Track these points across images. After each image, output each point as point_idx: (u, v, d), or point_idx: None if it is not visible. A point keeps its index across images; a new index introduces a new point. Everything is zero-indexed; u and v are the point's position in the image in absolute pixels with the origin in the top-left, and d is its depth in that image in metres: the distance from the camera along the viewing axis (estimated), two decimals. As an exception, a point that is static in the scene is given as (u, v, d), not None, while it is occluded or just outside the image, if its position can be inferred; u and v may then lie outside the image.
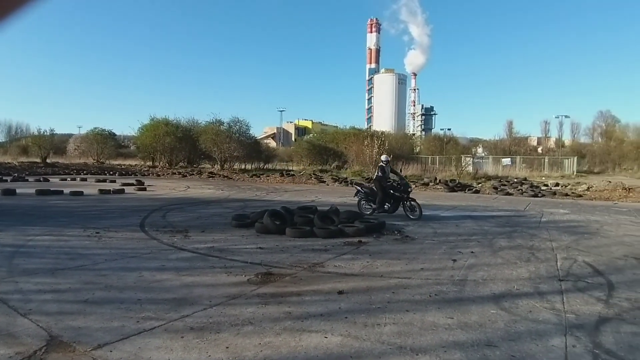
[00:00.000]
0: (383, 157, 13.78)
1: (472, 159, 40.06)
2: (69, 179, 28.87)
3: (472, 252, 7.98)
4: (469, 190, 24.10)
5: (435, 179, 27.16)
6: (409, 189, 12.75)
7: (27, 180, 26.40)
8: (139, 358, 3.47)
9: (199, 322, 4.25)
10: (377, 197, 12.71)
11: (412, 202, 12.40)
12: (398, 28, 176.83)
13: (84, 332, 3.98)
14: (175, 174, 35.85)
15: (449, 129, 64.90)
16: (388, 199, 12.69)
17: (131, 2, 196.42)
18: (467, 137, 63.06)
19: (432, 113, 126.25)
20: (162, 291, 5.31)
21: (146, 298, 5.00)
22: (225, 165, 39.85)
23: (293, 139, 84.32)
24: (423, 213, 12.20)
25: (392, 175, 13.28)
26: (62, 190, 18.36)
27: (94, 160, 46.84)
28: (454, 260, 7.23)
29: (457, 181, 26.29)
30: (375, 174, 13.55)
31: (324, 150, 42.03)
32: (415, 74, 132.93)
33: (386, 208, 12.66)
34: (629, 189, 22.83)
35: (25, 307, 4.58)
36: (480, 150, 54.95)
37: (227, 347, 3.70)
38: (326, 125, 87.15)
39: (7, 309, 4.53)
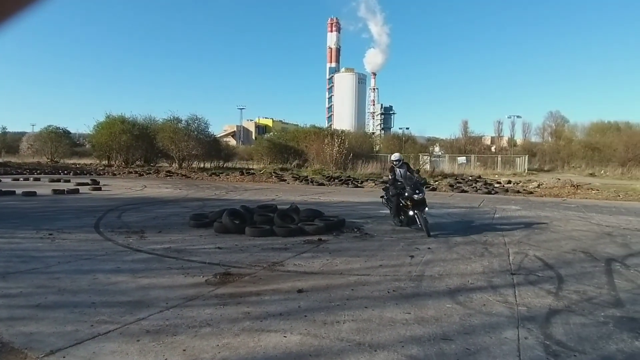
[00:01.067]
0: (393, 156, 11.15)
1: (429, 158, 40.90)
2: (21, 179, 27.71)
3: (428, 248, 8.17)
4: (426, 188, 24.41)
5: (395, 176, 27.54)
6: (415, 196, 9.71)
7: None
8: (92, 363, 3.37)
9: (156, 325, 4.18)
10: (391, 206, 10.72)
11: (420, 213, 9.69)
12: (357, 26, 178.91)
13: (36, 337, 3.86)
14: (131, 173, 35.05)
15: (408, 128, 66.24)
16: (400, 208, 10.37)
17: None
18: (425, 136, 64.37)
19: (391, 112, 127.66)
20: (117, 294, 5.19)
21: (101, 301, 4.88)
22: (184, 164, 39.26)
23: (253, 137, 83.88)
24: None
25: (409, 177, 10.45)
26: (14, 191, 17.67)
27: (47, 159, 45.18)
28: (412, 257, 7.38)
29: (416, 179, 26.72)
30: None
31: (285, 148, 41.88)
32: (374, 74, 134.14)
33: (401, 219, 10.40)
34: (577, 186, 23.92)
35: (-28, 314, 4.38)
36: (437, 149, 56.01)
37: (184, 350, 3.65)
38: (287, 123, 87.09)
39: (-48, 315, 4.31)
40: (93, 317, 4.36)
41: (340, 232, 9.61)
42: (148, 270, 6.30)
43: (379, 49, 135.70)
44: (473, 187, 24.19)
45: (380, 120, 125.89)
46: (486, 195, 21.62)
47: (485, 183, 26.14)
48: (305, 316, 4.46)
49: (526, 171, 38.48)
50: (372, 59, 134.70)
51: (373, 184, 26.23)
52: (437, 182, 26.34)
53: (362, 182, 27.08)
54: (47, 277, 5.82)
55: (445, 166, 38.03)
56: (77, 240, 8.43)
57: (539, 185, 25.17)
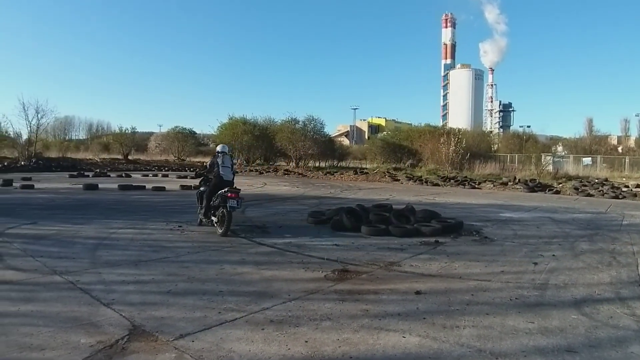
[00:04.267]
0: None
1: (552, 158, 38.23)
2: (150, 175, 30.42)
3: (553, 255, 7.67)
4: (549, 190, 23.08)
5: (515, 178, 26.14)
6: None
7: (109, 176, 28.22)
8: (220, 348, 3.58)
9: (279, 316, 4.36)
10: None
11: None
12: (469, 17, 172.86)
13: (166, 322, 4.15)
14: (252, 171, 36.93)
15: (529, 126, 62.05)
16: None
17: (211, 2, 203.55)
18: (547, 134, 60.33)
19: (510, 109, 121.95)
20: (242, 284, 5.50)
21: (227, 290, 5.19)
22: (300, 163, 40.34)
23: (366, 136, 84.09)
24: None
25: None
26: (144, 186, 19.41)
27: (174, 157, 48.79)
28: (535, 264, 6.98)
29: (537, 181, 25.14)
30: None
31: (398, 148, 41.33)
32: (492, 69, 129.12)
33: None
34: None
35: (108, 297, 4.82)
36: (560, 148, 52.25)
37: (306, 341, 3.76)
38: (400, 122, 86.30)
39: (90, 298, 4.78)
40: (220, 305, 4.64)
41: (458, 234, 9.32)
42: (271, 263, 6.62)
43: (496, 42, 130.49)
44: (599, 191, 22.33)
45: (499, 117, 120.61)
46: (613, 200, 19.92)
47: (613, 187, 23.88)
48: (424, 318, 4.39)
49: (656, 174, 34.74)
50: (489, 53, 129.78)
51: (492, 185, 25.16)
52: (560, 185, 24.59)
53: (479, 183, 26.00)
54: (178, 266, 6.30)
55: (569, 167, 35.33)
56: (204, 233, 9.05)
57: (668, 190, 22.70)
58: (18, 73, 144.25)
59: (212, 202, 9.26)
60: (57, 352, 3.45)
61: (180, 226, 9.64)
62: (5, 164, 33.23)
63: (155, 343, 3.68)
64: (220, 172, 9.47)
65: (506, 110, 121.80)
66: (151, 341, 3.71)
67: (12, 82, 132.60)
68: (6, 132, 37.92)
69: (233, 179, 9.77)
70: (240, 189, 9.31)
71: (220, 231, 8.78)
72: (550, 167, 32.88)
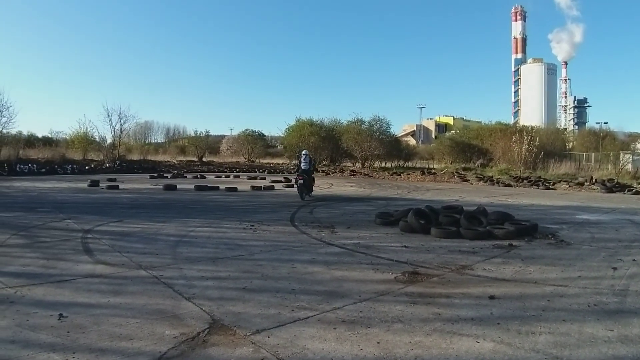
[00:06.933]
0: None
1: (631, 157, 35.97)
2: (223, 176, 31.86)
3: (633, 260, 7.22)
4: (628, 191, 21.63)
5: (591, 178, 24.80)
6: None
7: (185, 177, 29.84)
8: (294, 345, 3.69)
9: (350, 316, 4.42)
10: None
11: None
12: (537, 6, 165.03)
13: (243, 317, 4.33)
14: (318, 172, 37.09)
15: (606, 123, 58.47)
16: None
17: (277, 5, 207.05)
18: (625, 131, 56.70)
19: (585, 105, 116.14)
20: (313, 283, 5.62)
21: (299, 288, 5.32)
22: (366, 164, 40.28)
23: (433, 136, 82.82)
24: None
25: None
26: (218, 187, 20.39)
27: (245, 159, 50.24)
28: (614, 269, 6.62)
29: (616, 181, 23.66)
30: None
31: (467, 147, 40.31)
32: (565, 63, 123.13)
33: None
34: None
35: (189, 291, 5.11)
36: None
37: (378, 343, 3.79)
38: (468, 121, 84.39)
39: (173, 292, 5.09)
40: (293, 303, 4.78)
41: (533, 237, 8.99)
42: (340, 263, 6.70)
43: (568, 32, 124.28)
44: (683, 191, 20.79)
45: (573, 114, 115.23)
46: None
47: (698, 186, 22.20)
48: (498, 324, 4.30)
49: None
50: (562, 43, 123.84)
51: (567, 186, 24.02)
52: (640, 185, 23.08)
53: (554, 184, 24.85)
54: (252, 264, 6.54)
55: (650, 166, 33.11)
56: (275, 232, 9.35)
57: None
58: (103, 80, 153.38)
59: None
60: (144, 342, 3.69)
61: (252, 225, 9.95)
62: (92, 165, 35.91)
63: (233, 337, 3.85)
64: (302, 165, 17.07)
65: (581, 106, 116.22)
66: (230, 335, 3.89)
67: (98, 89, 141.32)
68: (92, 136, 40.58)
69: (309, 169, 17.06)
70: (306, 176, 16.53)
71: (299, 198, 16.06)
72: (630, 166, 30.92)
